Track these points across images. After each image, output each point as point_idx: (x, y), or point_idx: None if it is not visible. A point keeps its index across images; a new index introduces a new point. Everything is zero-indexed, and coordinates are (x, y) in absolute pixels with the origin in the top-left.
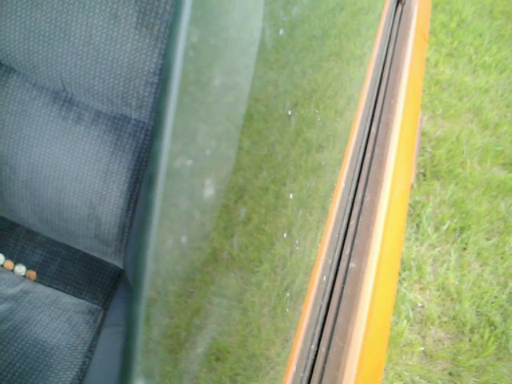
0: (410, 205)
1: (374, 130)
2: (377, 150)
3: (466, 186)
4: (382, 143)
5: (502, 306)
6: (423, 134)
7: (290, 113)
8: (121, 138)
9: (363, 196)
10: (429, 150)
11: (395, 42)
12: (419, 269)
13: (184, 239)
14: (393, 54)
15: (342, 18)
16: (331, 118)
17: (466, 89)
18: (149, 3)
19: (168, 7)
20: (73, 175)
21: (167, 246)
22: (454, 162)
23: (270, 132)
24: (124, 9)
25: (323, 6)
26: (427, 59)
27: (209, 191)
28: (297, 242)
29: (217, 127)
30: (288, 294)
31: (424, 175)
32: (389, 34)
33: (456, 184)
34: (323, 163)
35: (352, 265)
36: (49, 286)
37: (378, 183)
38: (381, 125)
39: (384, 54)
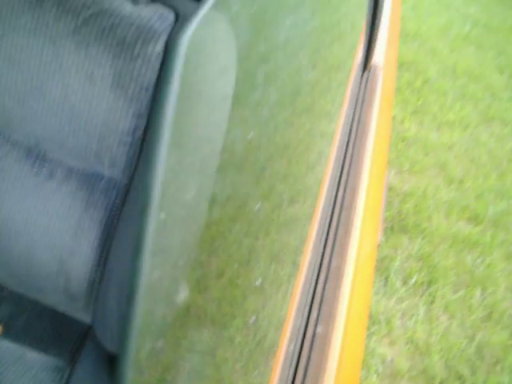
0: (378, 260)
1: (340, 193)
2: (343, 213)
3: (433, 240)
4: (348, 207)
5: (470, 359)
6: (391, 188)
7: (262, 167)
8: (93, 194)
9: (330, 261)
10: (396, 204)
11: (361, 107)
12: (388, 323)
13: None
14: (359, 119)
15: (309, 84)
16: (301, 174)
17: (431, 145)
18: (124, 66)
19: (143, 70)
20: (43, 231)
21: (142, 305)
22: (420, 216)
23: (243, 185)
24: (100, 70)
25: (296, 64)
26: (394, 117)
27: (181, 243)
28: (268, 296)
29: (190, 179)
30: (259, 350)
31: (392, 229)
32: (355, 99)
33: (423, 238)
34: (294, 218)
35: (319, 329)
36: (14, 341)
37: (344, 248)
38: (347, 189)
39: (351, 119)
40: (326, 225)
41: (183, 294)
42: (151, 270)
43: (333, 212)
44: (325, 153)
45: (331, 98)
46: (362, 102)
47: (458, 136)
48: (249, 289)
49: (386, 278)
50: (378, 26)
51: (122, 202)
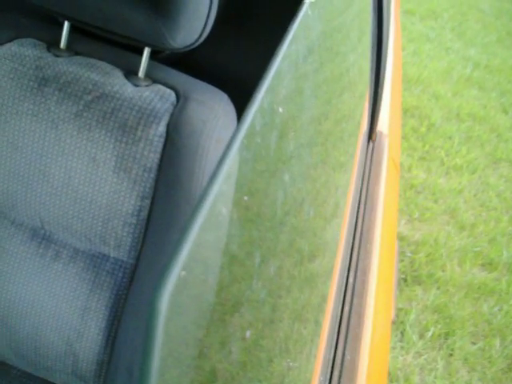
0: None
1: (351, 280)
2: (355, 301)
3: (448, 290)
4: (360, 293)
5: None
6: (402, 238)
7: (281, 222)
8: (99, 275)
9: (343, 355)
10: (408, 254)
11: (369, 177)
12: (407, 379)
13: (181, 356)
14: (367, 190)
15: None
16: (320, 229)
17: (440, 191)
18: (127, 148)
19: (145, 152)
20: (50, 312)
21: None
22: (434, 265)
23: (262, 241)
24: (102, 153)
25: (305, 139)
26: (401, 164)
27: (200, 304)
28: (293, 358)
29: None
30: None
31: (405, 280)
32: (362, 170)
33: (438, 288)
34: (315, 275)
35: None
36: None
37: (361, 314)
38: (358, 273)
39: (359, 190)
40: (338, 319)
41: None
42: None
43: (343, 303)
44: (337, 224)
45: (340, 170)
46: (370, 170)
47: (466, 180)
48: (273, 350)
49: (402, 332)
50: (381, 96)
51: (129, 283)
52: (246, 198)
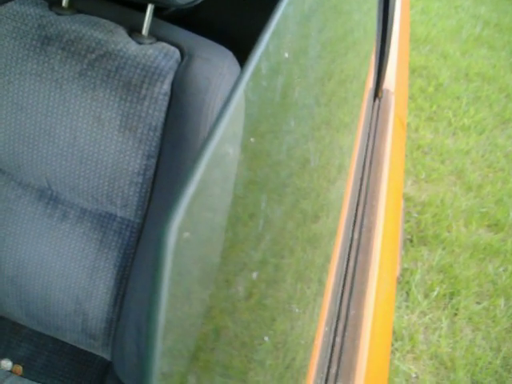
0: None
1: (356, 235)
2: (360, 257)
3: (454, 250)
4: (365, 249)
5: (496, 372)
6: (408, 199)
7: (284, 184)
8: (106, 235)
9: (348, 309)
10: (414, 215)
11: (374, 135)
12: (411, 338)
13: (185, 316)
14: (373, 148)
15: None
16: (323, 190)
17: (447, 152)
18: (131, 107)
19: (150, 111)
20: (59, 272)
21: (171, 322)
22: (440, 226)
23: (266, 203)
24: (107, 112)
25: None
26: (408, 124)
27: (205, 264)
28: (296, 316)
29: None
30: (289, 373)
31: (411, 241)
32: (368, 127)
33: (443, 248)
34: (318, 235)
35: (346, 345)
36: (35, 380)
37: (366, 270)
38: (363, 229)
39: (365, 147)
40: (342, 276)
41: (206, 320)
42: (171, 302)
43: (348, 258)
44: (338, 197)
45: (344, 131)
46: (376, 128)
47: (474, 141)
48: (277, 310)
49: (408, 292)
50: (388, 53)
51: (136, 242)
52: (252, 139)
